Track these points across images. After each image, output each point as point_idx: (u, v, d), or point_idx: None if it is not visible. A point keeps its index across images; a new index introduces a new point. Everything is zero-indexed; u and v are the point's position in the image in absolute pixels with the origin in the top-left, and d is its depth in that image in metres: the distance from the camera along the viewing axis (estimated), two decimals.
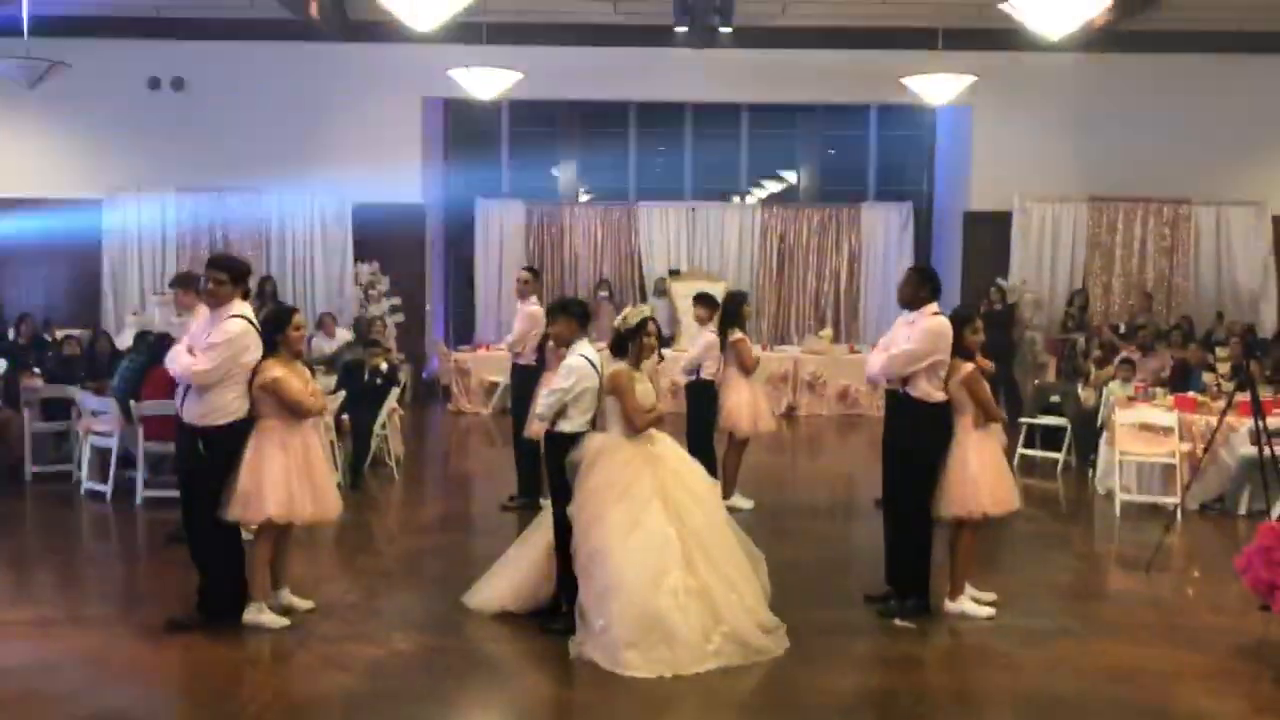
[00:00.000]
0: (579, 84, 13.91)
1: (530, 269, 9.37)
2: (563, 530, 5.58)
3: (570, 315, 5.93)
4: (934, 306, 6.04)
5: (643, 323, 5.72)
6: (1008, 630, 5.89)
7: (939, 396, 5.94)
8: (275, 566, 5.90)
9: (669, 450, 5.71)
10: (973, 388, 5.97)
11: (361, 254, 13.72)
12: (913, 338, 5.91)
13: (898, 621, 5.96)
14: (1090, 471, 9.54)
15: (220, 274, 5.66)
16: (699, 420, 8.26)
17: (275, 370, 5.66)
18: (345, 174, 13.72)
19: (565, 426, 5.67)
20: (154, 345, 8.89)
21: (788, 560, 6.65)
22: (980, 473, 5.96)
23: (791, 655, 5.46)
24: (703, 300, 8.66)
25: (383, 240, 13.65)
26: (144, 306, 13.52)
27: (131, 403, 8.37)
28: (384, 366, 9.61)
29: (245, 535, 5.85)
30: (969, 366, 6.02)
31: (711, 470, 7.03)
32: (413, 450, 10.63)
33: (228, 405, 5.60)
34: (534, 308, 8.40)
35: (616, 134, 16.02)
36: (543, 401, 5.83)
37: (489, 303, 15.13)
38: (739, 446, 8.47)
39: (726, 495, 7.93)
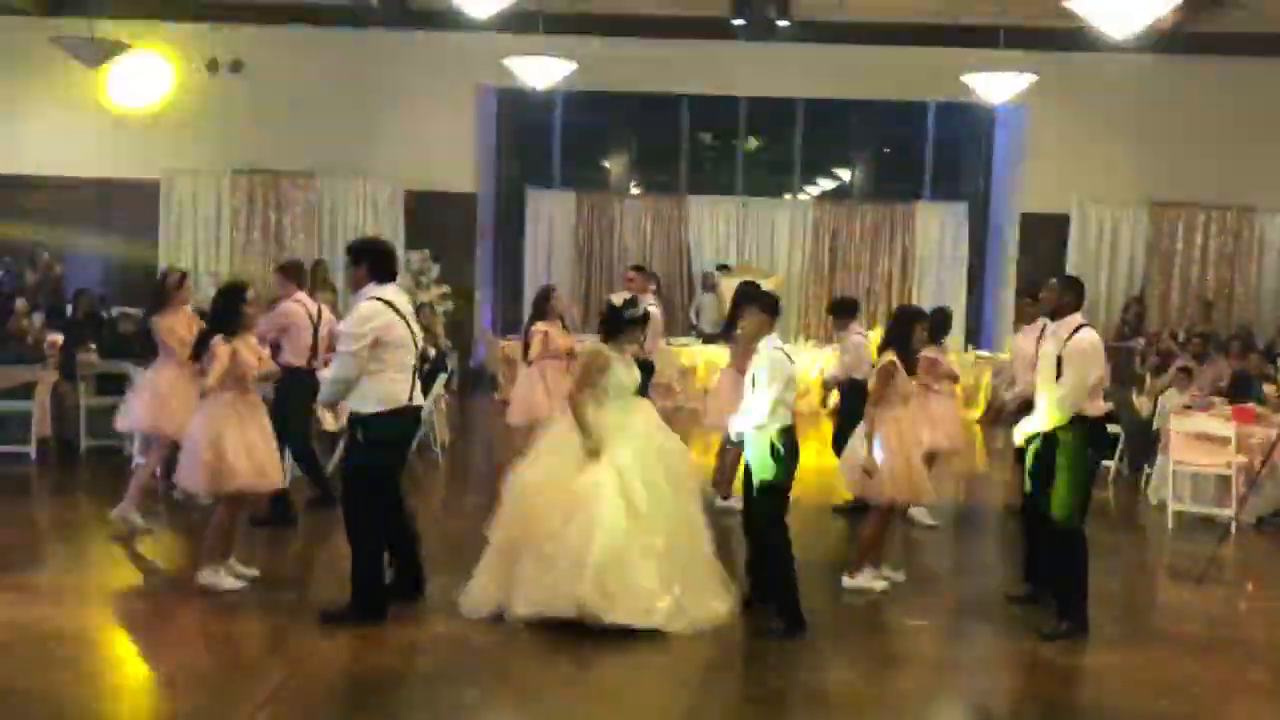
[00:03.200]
0: (633, 76, 13.90)
1: (638, 267, 9.45)
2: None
3: (762, 307, 5.84)
4: (1077, 318, 5.78)
5: (645, 315, 6.09)
6: (1056, 638, 5.81)
7: (1094, 410, 5.75)
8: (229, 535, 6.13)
9: (645, 424, 5.85)
10: (887, 380, 6.20)
11: (412, 240, 13.82)
12: (1065, 376, 5.64)
13: (910, 621, 6.05)
14: (1143, 481, 9.40)
15: (348, 256, 5.66)
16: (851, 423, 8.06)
17: (231, 345, 5.93)
18: (398, 160, 13.85)
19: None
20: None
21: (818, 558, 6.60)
22: (891, 461, 6.17)
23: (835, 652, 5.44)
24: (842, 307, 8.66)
25: (434, 227, 13.76)
26: (198, 287, 13.70)
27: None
28: (432, 352, 9.69)
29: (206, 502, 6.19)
30: (888, 356, 6.26)
31: None
32: (458, 437, 10.70)
33: (382, 391, 5.44)
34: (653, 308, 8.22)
35: (669, 127, 16.00)
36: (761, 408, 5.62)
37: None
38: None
39: (725, 495, 7.88)
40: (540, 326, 8.32)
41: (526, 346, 8.42)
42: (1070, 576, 5.79)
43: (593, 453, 5.57)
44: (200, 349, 6.07)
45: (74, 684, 4.80)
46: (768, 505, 5.67)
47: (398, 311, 5.48)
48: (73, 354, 9.69)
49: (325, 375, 5.77)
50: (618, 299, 5.97)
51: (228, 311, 6.04)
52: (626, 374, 5.82)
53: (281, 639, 5.49)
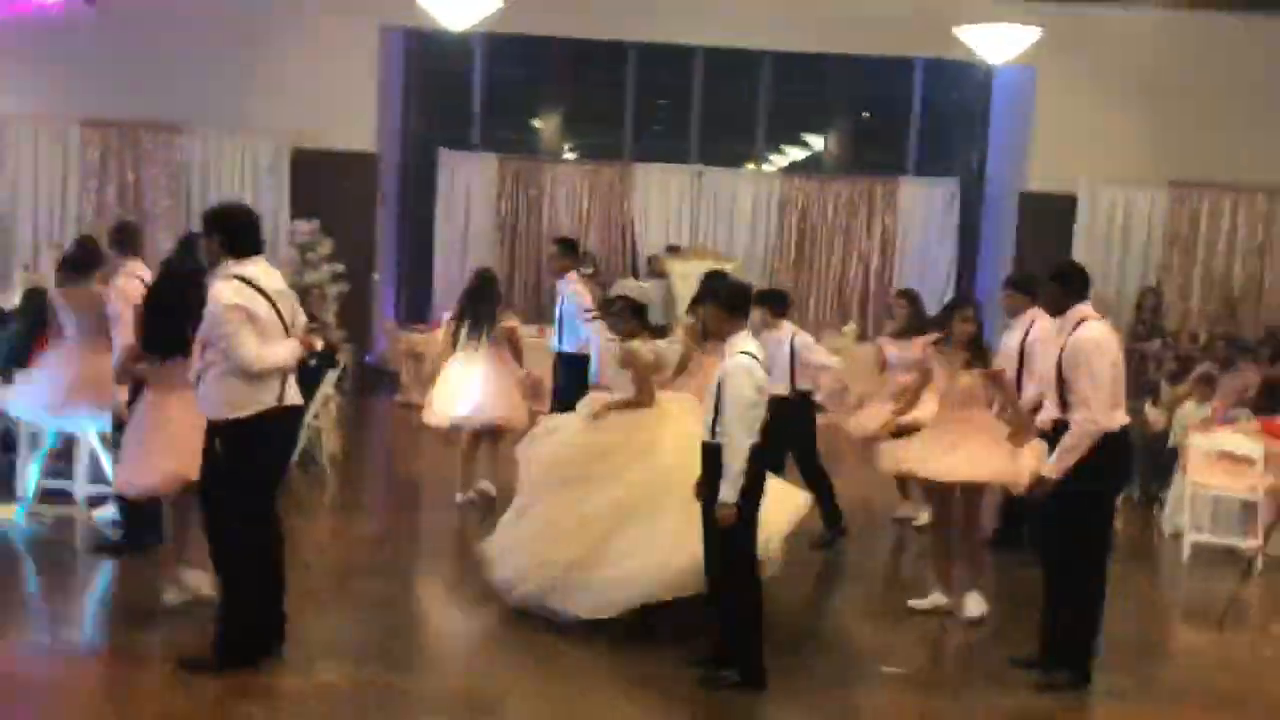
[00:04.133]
0: (569, 18, 13.83)
1: (564, 240, 9.67)
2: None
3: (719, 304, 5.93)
4: (1082, 310, 5.84)
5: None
6: (1052, 690, 5.86)
7: (1113, 422, 5.75)
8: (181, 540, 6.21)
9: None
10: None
11: (299, 209, 13.64)
12: (1074, 387, 5.68)
13: (885, 669, 6.08)
14: (1156, 507, 9.53)
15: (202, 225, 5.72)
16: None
17: None
18: (284, 113, 13.65)
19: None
20: (44, 306, 8.82)
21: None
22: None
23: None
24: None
25: (326, 194, 13.56)
26: (37, 260, 13.43)
27: (16, 373, 8.30)
28: (319, 345, 9.54)
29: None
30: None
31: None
32: (351, 447, 10.59)
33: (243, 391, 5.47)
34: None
35: (611, 81, 15.96)
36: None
37: (450, 274, 15.07)
38: None
39: None
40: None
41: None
42: (1072, 617, 5.84)
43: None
44: None
45: None
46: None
47: (261, 291, 5.40)
48: None
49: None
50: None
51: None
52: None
53: (121, 696, 5.38)
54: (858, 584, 7.60)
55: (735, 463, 5.46)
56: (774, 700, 5.59)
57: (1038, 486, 5.88)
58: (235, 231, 5.49)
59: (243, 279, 5.37)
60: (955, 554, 6.96)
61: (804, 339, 8.32)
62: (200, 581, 6.14)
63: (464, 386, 8.85)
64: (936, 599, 6.92)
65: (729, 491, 5.46)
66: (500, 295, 9.25)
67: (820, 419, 8.78)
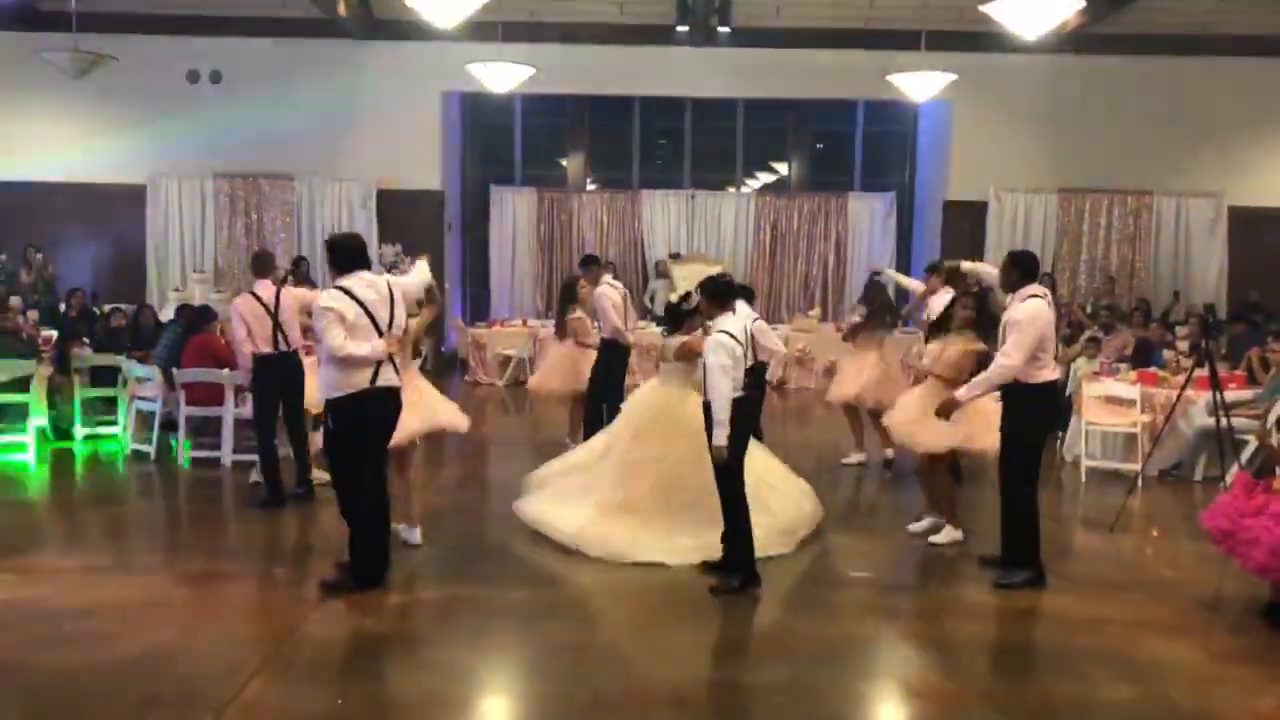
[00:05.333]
0: (587, 80, 13.81)
1: (589, 259, 9.44)
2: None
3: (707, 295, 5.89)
4: (1031, 289, 5.74)
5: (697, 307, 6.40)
6: (983, 583, 5.87)
7: (1042, 376, 5.68)
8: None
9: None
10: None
11: (385, 236, 13.65)
12: (1007, 344, 5.62)
13: (854, 573, 6.05)
14: (1058, 441, 9.51)
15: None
16: None
17: None
18: (370, 162, 13.68)
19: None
20: (193, 317, 8.86)
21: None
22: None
23: (777, 602, 5.45)
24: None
25: (404, 223, 13.59)
26: (184, 283, 13.49)
27: (174, 370, 8.34)
28: (396, 346, 9.52)
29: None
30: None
31: None
32: None
33: (343, 376, 5.40)
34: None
35: (621, 127, 15.91)
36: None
37: (502, 282, 15.10)
38: None
39: None
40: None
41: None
42: (1020, 531, 5.79)
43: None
44: None
45: (77, 659, 4.68)
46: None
47: (354, 298, 5.38)
48: (66, 348, 9.45)
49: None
50: (674, 296, 6.25)
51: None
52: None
53: (274, 610, 5.40)
54: (830, 510, 7.59)
55: (721, 413, 5.44)
56: (765, 602, 5.59)
57: (948, 406, 5.87)
58: (337, 254, 5.54)
59: (341, 289, 5.39)
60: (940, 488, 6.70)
61: (760, 325, 8.13)
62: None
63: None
64: (932, 522, 6.69)
65: (720, 436, 5.44)
66: (575, 296, 8.89)
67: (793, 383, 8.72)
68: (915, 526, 6.76)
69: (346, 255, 5.52)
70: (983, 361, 6.20)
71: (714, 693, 4.59)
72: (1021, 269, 5.81)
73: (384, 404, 5.51)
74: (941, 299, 7.71)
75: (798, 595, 5.73)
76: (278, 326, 7.14)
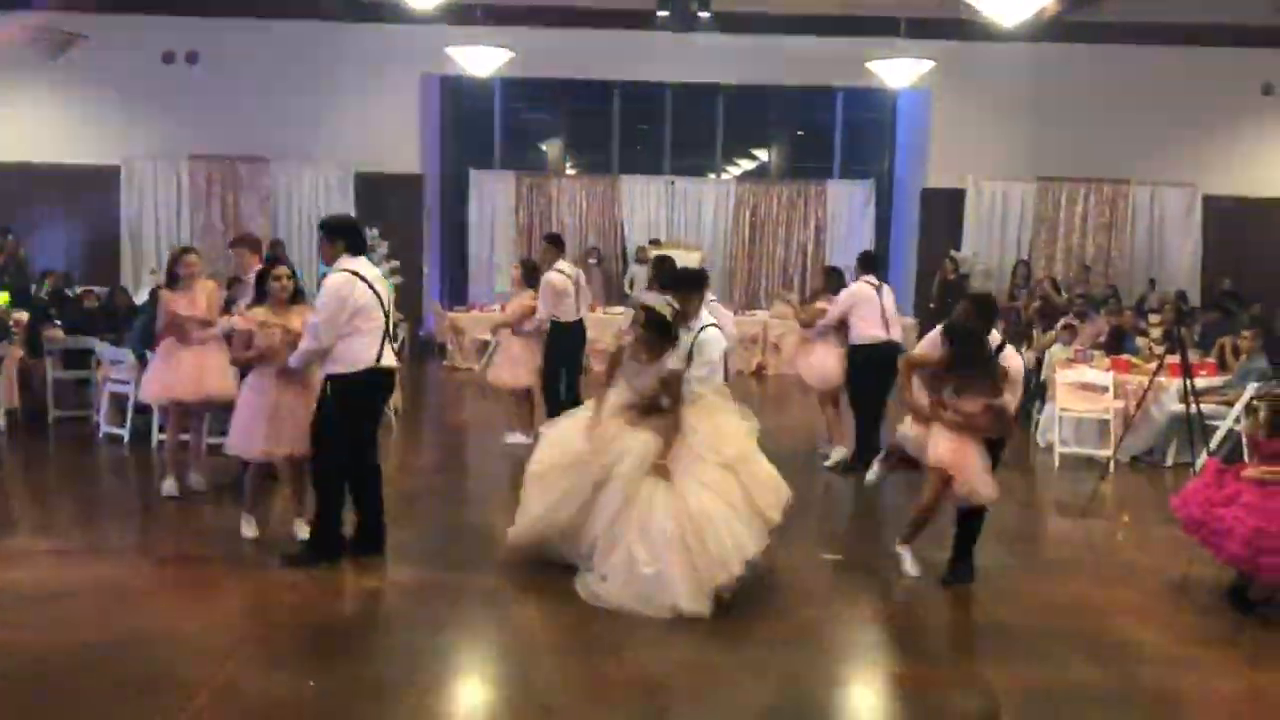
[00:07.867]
0: (567, 64, 13.72)
1: (551, 236, 9.23)
2: None
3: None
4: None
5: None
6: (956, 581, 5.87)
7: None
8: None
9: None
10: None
11: (362, 220, 13.46)
12: None
13: (825, 556, 6.07)
14: (1032, 426, 9.57)
15: (320, 231, 5.71)
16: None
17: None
18: (348, 145, 13.56)
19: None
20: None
21: None
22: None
23: (749, 584, 5.46)
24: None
25: (383, 207, 13.48)
26: (160, 265, 13.32)
27: (147, 353, 8.24)
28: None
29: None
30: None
31: None
32: (410, 402, 10.55)
33: (351, 353, 5.42)
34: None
35: (601, 111, 15.83)
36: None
37: (481, 266, 15.02)
38: None
39: None
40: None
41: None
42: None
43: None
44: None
45: (48, 642, 4.64)
46: None
47: (364, 279, 5.47)
48: (37, 331, 9.34)
49: (301, 345, 5.57)
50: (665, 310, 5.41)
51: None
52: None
53: (247, 593, 5.36)
54: (805, 498, 7.59)
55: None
56: (737, 584, 5.57)
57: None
58: (354, 235, 5.62)
59: (351, 271, 5.45)
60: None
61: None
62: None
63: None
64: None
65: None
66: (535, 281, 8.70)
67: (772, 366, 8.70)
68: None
69: (360, 238, 5.66)
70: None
71: (687, 675, 4.60)
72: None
73: (387, 384, 5.72)
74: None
75: (769, 577, 5.74)
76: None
